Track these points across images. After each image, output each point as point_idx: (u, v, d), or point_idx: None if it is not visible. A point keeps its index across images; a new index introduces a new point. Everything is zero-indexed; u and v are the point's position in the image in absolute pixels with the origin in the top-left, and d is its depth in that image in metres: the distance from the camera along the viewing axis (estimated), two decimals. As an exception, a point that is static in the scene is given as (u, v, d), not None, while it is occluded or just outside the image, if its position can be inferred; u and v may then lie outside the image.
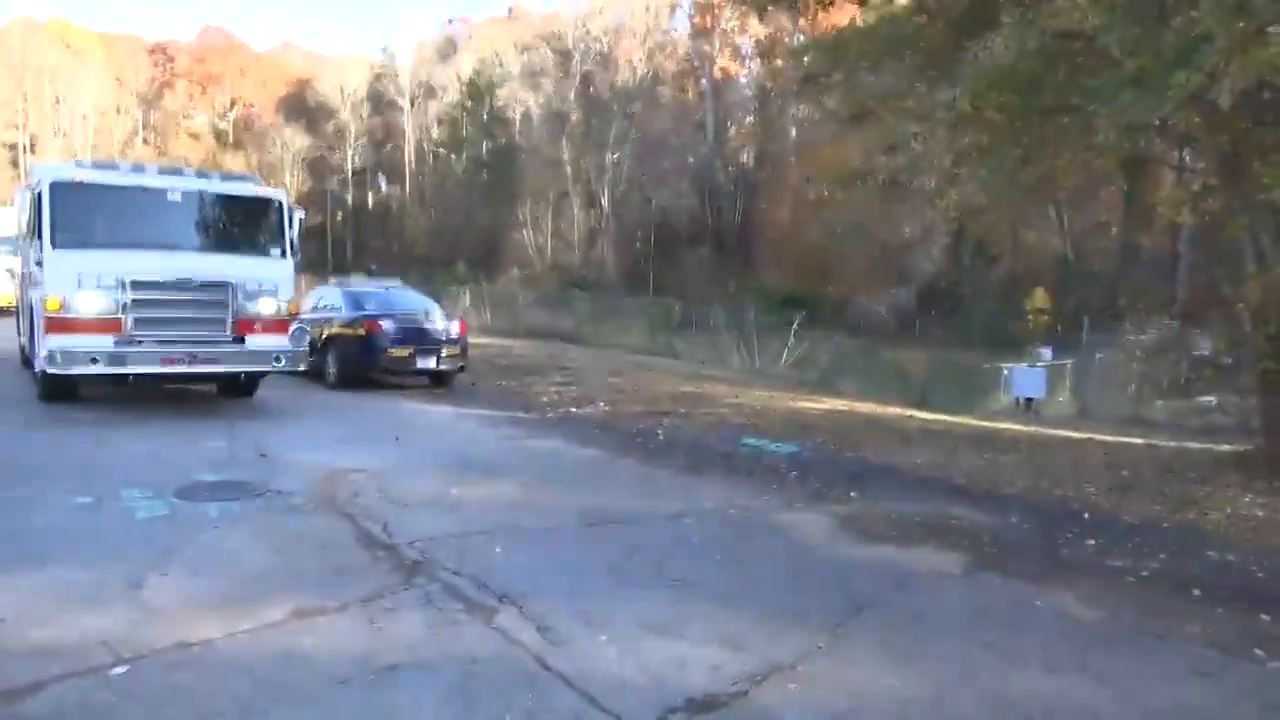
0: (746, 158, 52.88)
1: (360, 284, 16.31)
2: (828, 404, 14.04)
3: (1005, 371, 19.73)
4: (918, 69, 9.15)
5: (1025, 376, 18.53)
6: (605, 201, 45.78)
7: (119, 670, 3.76)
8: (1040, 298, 33.02)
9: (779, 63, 47.94)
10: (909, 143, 9.50)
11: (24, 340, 12.29)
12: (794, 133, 47.87)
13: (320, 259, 61.85)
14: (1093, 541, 6.03)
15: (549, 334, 25.40)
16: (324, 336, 13.80)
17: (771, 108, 49.25)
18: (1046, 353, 21.11)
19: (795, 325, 22.59)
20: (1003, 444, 10.07)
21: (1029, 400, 18.08)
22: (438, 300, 17.04)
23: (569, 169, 47.09)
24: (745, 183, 50.15)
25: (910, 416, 13.16)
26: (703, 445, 9.25)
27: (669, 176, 46.58)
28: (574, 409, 11.75)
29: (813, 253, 41.54)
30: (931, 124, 7.77)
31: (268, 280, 10.36)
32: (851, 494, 7.33)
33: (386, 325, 13.25)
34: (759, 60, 52.35)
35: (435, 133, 63.14)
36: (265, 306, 10.32)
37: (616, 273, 44.05)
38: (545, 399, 12.70)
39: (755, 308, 31.39)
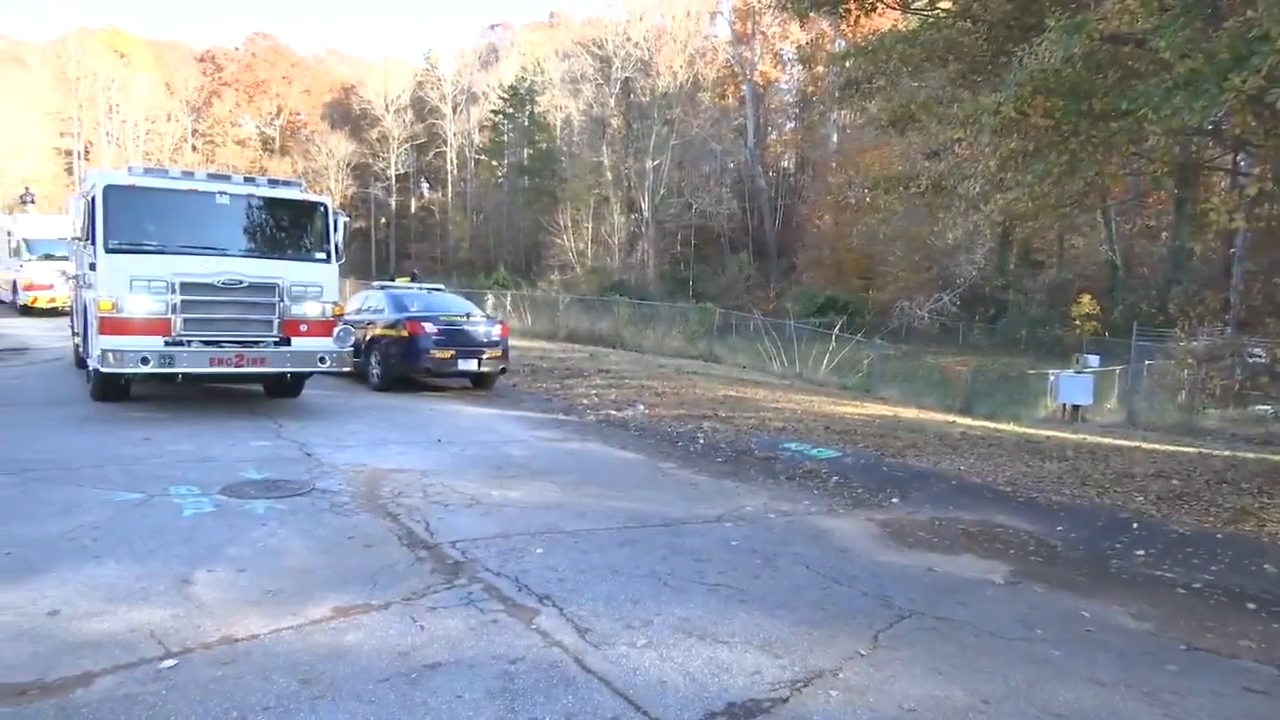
0: (787, 163, 52.69)
1: (403, 288, 16.55)
2: (870, 409, 13.90)
3: (1051, 378, 19.42)
4: (960, 74, 9.02)
5: (1072, 383, 18.18)
6: (645, 206, 45.85)
7: (167, 664, 3.82)
8: (1087, 304, 32.42)
9: (820, 68, 47.69)
10: (952, 149, 9.38)
11: (78, 340, 12.62)
12: (835, 138, 47.56)
13: (364, 263, 63.05)
14: (1142, 552, 5.87)
15: (589, 338, 25.49)
16: (367, 338, 14.01)
17: (812, 113, 49.04)
18: (1093, 359, 20.78)
19: (836, 330, 22.46)
20: (1049, 451, 9.88)
21: (1076, 407, 17.75)
22: (479, 303, 17.14)
23: (609, 174, 47.26)
24: (786, 188, 50.03)
25: (953, 423, 13.02)
26: (743, 449, 9.19)
27: (709, 181, 46.56)
28: (614, 412, 11.77)
29: (854, 258, 41.22)
30: (975, 129, 7.65)
31: (313, 283, 10.53)
32: (894, 500, 7.25)
33: (429, 327, 13.42)
34: (800, 66, 52.12)
35: (477, 139, 63.83)
36: (310, 308, 10.49)
37: (656, 277, 44.08)
38: (585, 402, 12.72)
39: (796, 312, 31.31)
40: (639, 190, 46.68)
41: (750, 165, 48.48)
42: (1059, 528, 6.41)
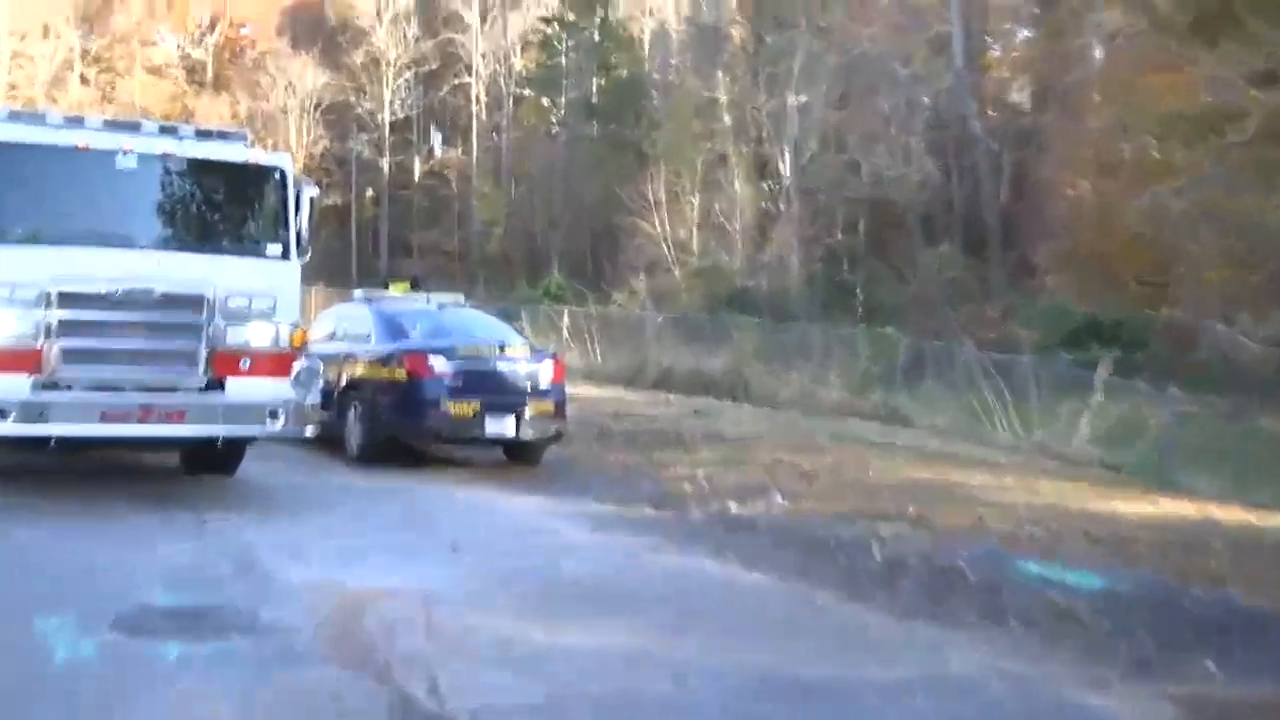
0: (1018, 94, 52.11)
1: (400, 300, 16.96)
2: (1163, 506, 13.51)
3: None
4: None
5: None
6: (786, 169, 45.86)
7: None
8: None
9: (1075, -60, 47.25)
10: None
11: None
12: (1099, 53, 46.83)
13: (340, 261, 63.42)
14: None
15: (694, 381, 25.55)
16: (344, 382, 14.41)
17: (1061, 12, 48.45)
18: None
19: (1103, 370, 21.93)
20: None
21: None
22: (519, 326, 17.37)
23: (727, 117, 47.57)
24: (1016, 135, 49.29)
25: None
26: (947, 571, 9.23)
27: (889, 127, 46.41)
28: (734, 505, 11.78)
29: (1131, 250, 40.20)
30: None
31: (262, 293, 10.85)
32: (1208, 664, 7.09)
33: (440, 366, 13.67)
34: (1041, -63, 51.77)
35: (518, 63, 65.17)
36: (257, 334, 10.80)
37: (803, 282, 43.96)
38: (688, 488, 12.76)
39: (1035, 340, 30.67)
40: (775, 143, 46.77)
41: (958, 99, 48.02)
42: None
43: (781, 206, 46.43)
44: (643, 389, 25.11)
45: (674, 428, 17.62)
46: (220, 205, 11.43)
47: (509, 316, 23.85)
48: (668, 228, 47.31)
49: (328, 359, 14.03)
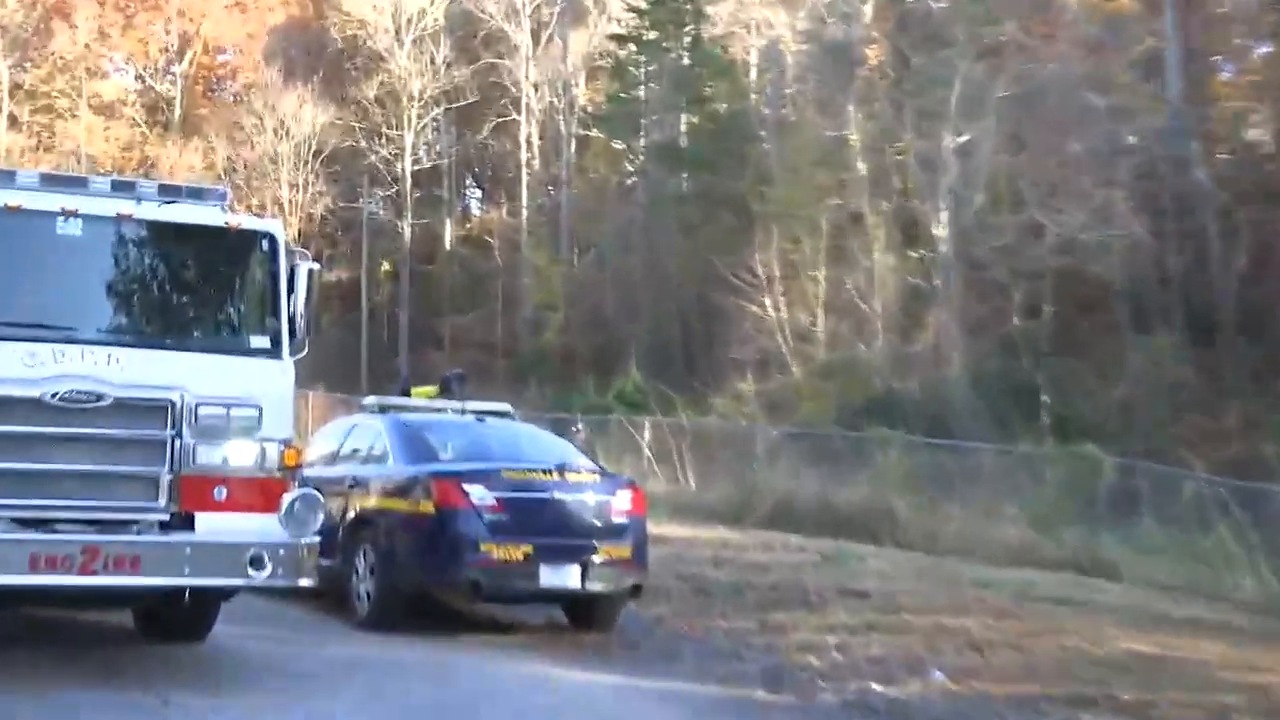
0: (1258, 133, 51.73)
1: (426, 410, 17.31)
2: None
3: None
4: None
5: None
6: (942, 231, 45.77)
7: None
8: None
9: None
10: None
11: None
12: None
13: (347, 357, 63.92)
14: None
15: (821, 518, 25.50)
16: (352, 517, 14.67)
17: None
18: None
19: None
20: None
21: None
22: (582, 440, 17.37)
23: (862, 164, 47.62)
24: (1256, 188, 48.91)
25: None
26: None
27: (1082, 178, 46.20)
28: (878, 686, 11.73)
29: None
30: None
31: (244, 400, 10.96)
32: None
33: (479, 495, 13.73)
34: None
35: (582, 96, 66.10)
36: (238, 454, 10.90)
37: (966, 386, 43.62)
38: (815, 661, 12.72)
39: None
40: (928, 198, 46.76)
41: (1175, 139, 47.86)
42: None
43: (937, 282, 46.04)
44: (752, 527, 25.07)
45: (795, 580, 17.54)
46: (191, 284, 11.64)
47: (570, 432, 23.96)
48: (784, 311, 47.26)
49: (330, 487, 14.18)
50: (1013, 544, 23.55)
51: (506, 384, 47.87)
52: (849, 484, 26.96)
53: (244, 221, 11.71)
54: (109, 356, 10.57)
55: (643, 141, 60.97)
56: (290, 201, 63.48)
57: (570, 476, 14.44)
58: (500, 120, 66.65)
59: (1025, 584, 19.22)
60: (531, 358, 59.24)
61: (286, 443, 11.19)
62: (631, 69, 61.05)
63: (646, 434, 31.88)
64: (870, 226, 46.70)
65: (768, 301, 47.15)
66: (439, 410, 17.18)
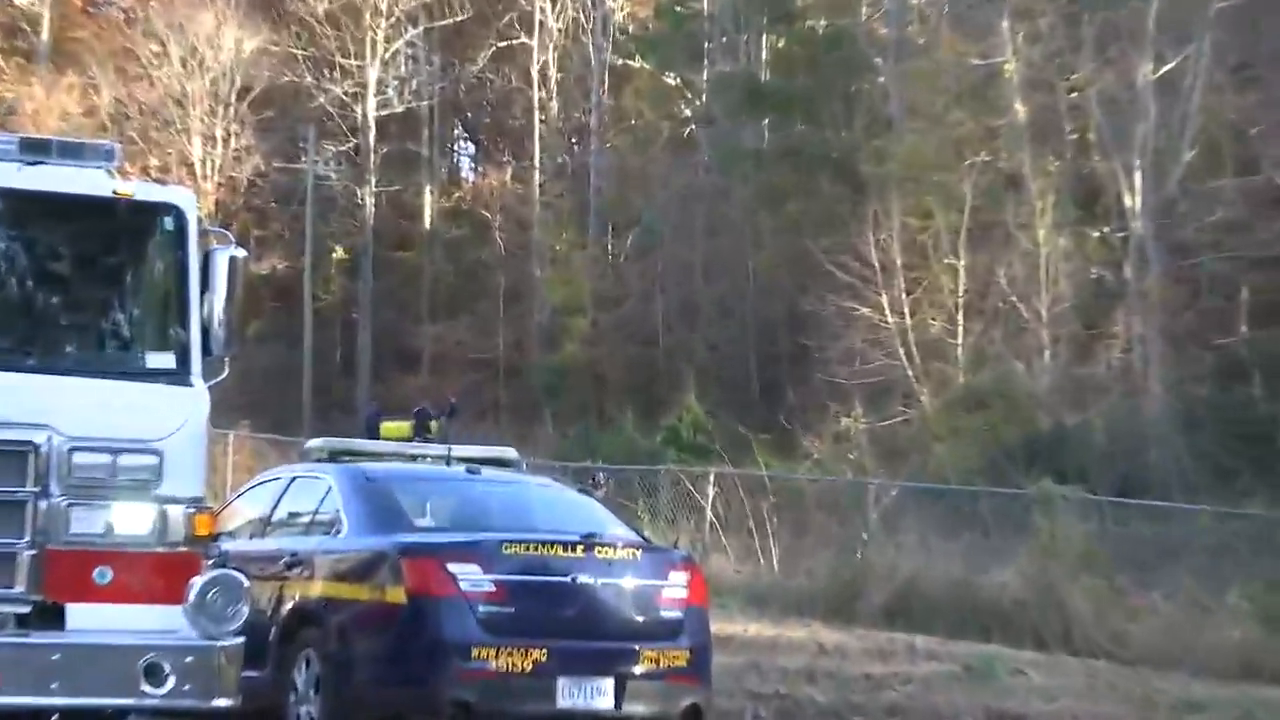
0: None
1: (396, 457, 17.31)
2: None
3: None
4: None
5: None
6: (1136, 199, 45.47)
7: None
8: None
9: None
10: None
11: None
12: None
13: (283, 381, 65.00)
14: None
15: (960, 609, 25.45)
16: (289, 610, 14.55)
17: None
18: None
19: None
20: None
21: None
22: (618, 504, 17.34)
23: (1020, 105, 47.49)
24: None
25: None
26: None
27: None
28: None
29: None
30: None
31: (136, 442, 10.97)
32: None
33: (470, 577, 13.58)
34: None
35: (620, 6, 65.86)
36: (127, 518, 10.92)
37: (1171, 421, 43.34)
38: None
39: None
40: (1115, 153, 46.55)
41: None
42: None
43: (1128, 274, 45.85)
44: (861, 625, 25.07)
45: (925, 702, 17.52)
46: (63, 280, 11.64)
47: (600, 488, 23.92)
48: (907, 315, 47.03)
49: (259, 567, 14.19)
50: (1235, 649, 23.38)
51: (510, 420, 48.20)
52: (1001, 562, 26.80)
53: (139, 191, 11.66)
54: None
55: (706, 75, 60.99)
56: (205, 162, 63.72)
57: (601, 552, 14.20)
58: (503, 45, 67.06)
59: (1252, 706, 19.12)
60: (546, 383, 59.13)
61: (197, 503, 11.18)
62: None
63: (710, 491, 31.66)
64: (1033, 194, 46.44)
65: (885, 302, 46.82)
66: (414, 458, 17.16)
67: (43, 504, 10.62)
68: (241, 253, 11.93)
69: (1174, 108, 44.78)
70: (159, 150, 62.42)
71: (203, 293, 11.36)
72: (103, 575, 10.78)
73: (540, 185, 64.79)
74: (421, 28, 66.78)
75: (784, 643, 21.81)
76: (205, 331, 11.33)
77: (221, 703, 11.03)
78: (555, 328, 61.18)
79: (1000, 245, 46.67)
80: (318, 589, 14.41)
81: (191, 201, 11.74)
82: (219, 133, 65.45)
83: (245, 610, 11.26)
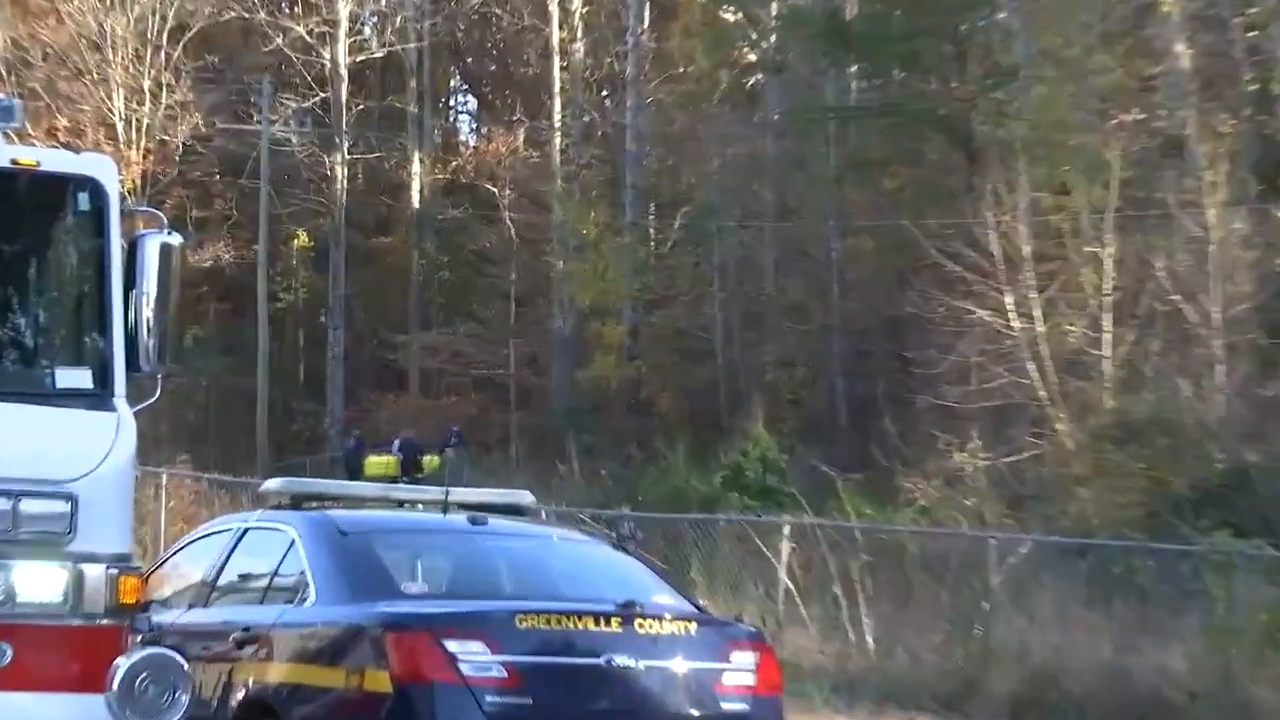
0: None
1: (377, 502, 17.26)
2: None
3: None
4: None
5: None
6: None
7: None
8: None
9: None
10: None
11: None
12: None
13: (231, 407, 66.26)
14: None
15: (1111, 704, 25.36)
16: (241, 699, 14.39)
17: None
18: None
19: None
20: None
21: None
22: (653, 556, 17.36)
23: (1181, 43, 47.51)
24: None
25: None
26: None
27: None
28: None
29: None
30: None
31: (42, 482, 10.96)
32: None
33: (475, 658, 13.47)
34: None
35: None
36: (31, 581, 10.93)
37: None
38: None
39: None
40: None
41: None
42: None
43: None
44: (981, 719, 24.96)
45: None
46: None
47: (643, 543, 23.91)
48: (1037, 319, 47.03)
49: (202, 644, 14.25)
50: None
51: (526, 455, 48.23)
52: (1163, 641, 26.75)
53: (44, 160, 11.63)
54: None
55: (775, 8, 61.05)
56: (130, 122, 63.92)
57: (644, 626, 14.07)
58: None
59: None
60: (570, 408, 59.23)
61: (122, 563, 11.17)
62: None
63: (784, 548, 31.55)
64: (1200, 163, 46.45)
65: (1009, 302, 46.77)
66: (401, 504, 17.13)
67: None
68: (177, 239, 11.85)
69: None
70: (70, 107, 62.62)
71: (128, 291, 11.31)
72: (2, 654, 10.79)
73: (562, 152, 64.94)
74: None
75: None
76: (131, 341, 11.27)
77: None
78: (583, 337, 61.31)
79: (1158, 229, 46.62)
80: (277, 673, 14.19)
81: (112, 173, 11.66)
82: (147, 84, 65.58)
83: (185, 701, 11.25)
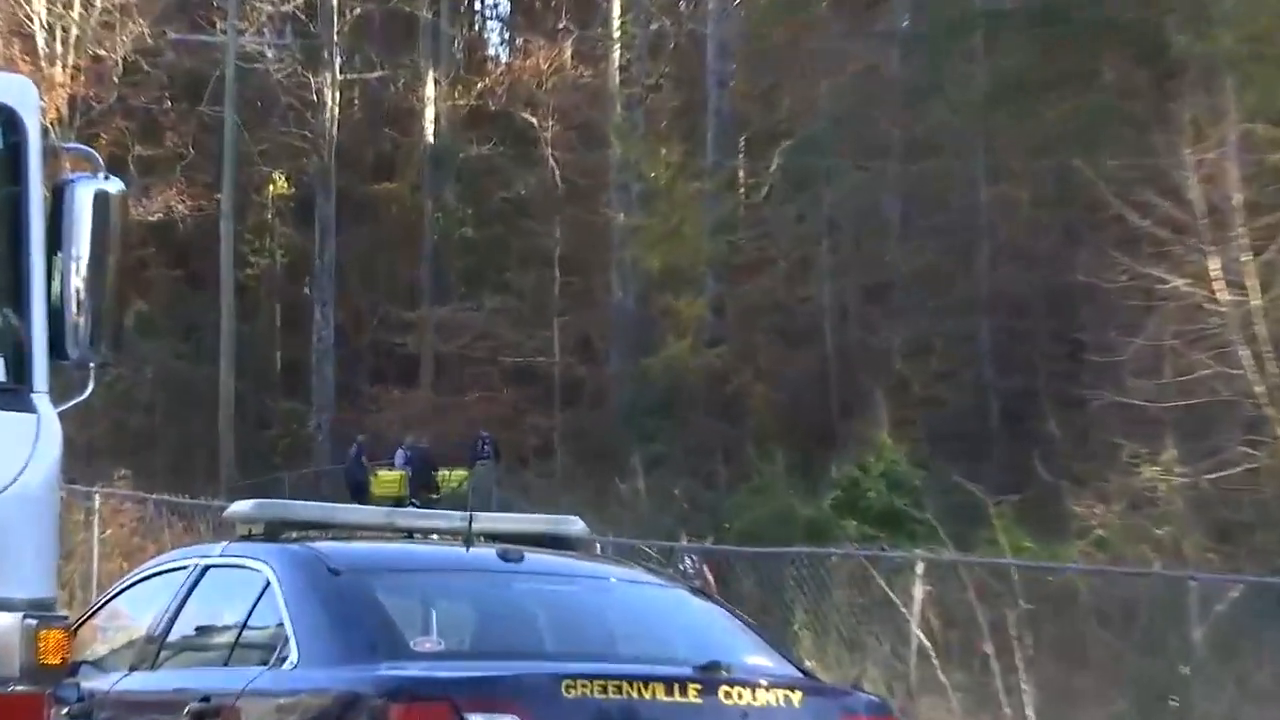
0: None
1: (374, 530, 17.13)
2: None
3: None
4: None
5: None
6: None
7: None
8: None
9: None
10: None
11: None
12: None
13: (186, 409, 65.61)
14: None
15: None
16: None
17: None
18: None
19: None
20: None
21: None
22: (750, 605, 17.37)
23: None
24: None
25: None
26: None
27: None
28: None
29: None
30: None
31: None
32: None
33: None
34: None
35: None
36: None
37: None
38: None
39: None
40: None
41: None
42: None
43: None
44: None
45: None
46: None
47: (725, 582, 23.90)
48: (1253, 290, 46.95)
49: (147, 716, 14.20)
50: None
51: (574, 468, 48.41)
52: None
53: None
54: None
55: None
56: (53, 31, 64.19)
57: (734, 695, 13.96)
58: None
59: None
60: (634, 406, 59.19)
61: (43, 611, 11.12)
62: None
63: (917, 592, 31.50)
64: None
65: (1214, 268, 46.69)
66: (411, 534, 17.04)
67: None
68: (116, 185, 11.82)
69: None
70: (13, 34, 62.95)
71: (51, 254, 11.27)
72: None
73: (622, 70, 65.12)
74: None
75: None
76: (55, 319, 11.25)
77: None
78: (650, 314, 61.34)
79: None
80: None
81: (32, 98, 11.64)
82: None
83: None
